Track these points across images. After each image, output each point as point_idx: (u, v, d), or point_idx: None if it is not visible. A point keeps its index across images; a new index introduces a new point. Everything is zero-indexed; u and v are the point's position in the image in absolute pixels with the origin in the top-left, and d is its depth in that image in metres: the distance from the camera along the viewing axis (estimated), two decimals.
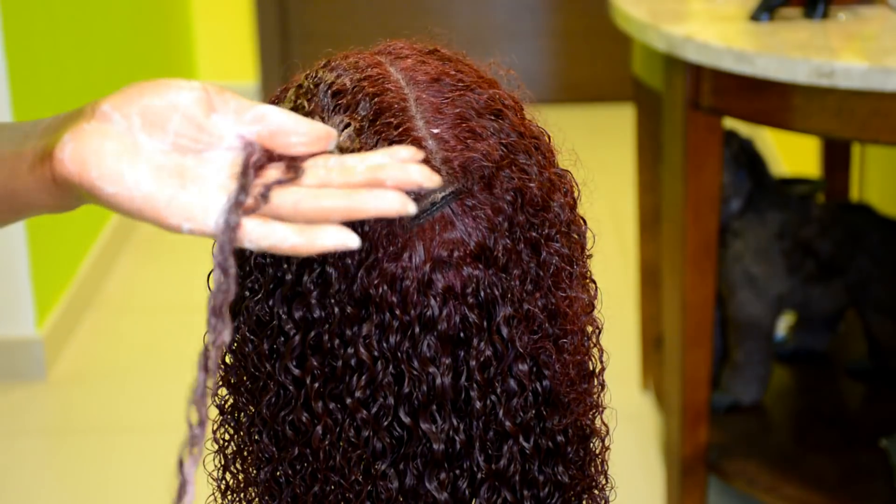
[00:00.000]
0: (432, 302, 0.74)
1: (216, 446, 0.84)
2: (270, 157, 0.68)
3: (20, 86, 2.69)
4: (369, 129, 0.75)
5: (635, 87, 2.38)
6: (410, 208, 0.65)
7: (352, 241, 0.65)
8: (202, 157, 0.68)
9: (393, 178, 0.66)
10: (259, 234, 0.65)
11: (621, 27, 2.11)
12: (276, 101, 0.81)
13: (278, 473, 0.79)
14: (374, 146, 0.74)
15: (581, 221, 0.82)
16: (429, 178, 0.66)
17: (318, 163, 0.68)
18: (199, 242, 1.29)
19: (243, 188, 0.66)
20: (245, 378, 0.80)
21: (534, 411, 0.78)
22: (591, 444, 0.83)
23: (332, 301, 0.74)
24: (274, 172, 0.67)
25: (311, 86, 0.79)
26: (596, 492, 0.84)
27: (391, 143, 0.74)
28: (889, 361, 2.29)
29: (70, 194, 0.69)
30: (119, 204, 0.66)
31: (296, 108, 0.77)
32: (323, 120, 0.76)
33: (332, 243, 0.65)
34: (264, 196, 0.66)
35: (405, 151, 0.67)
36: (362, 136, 0.74)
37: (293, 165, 0.67)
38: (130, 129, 0.67)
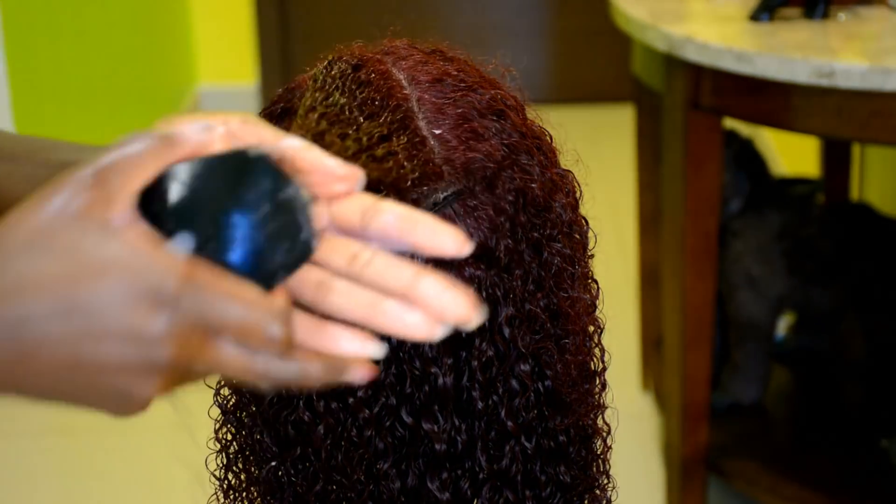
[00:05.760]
0: None
1: (218, 446, 0.84)
2: None
3: (20, 86, 2.69)
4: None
5: (635, 87, 2.38)
6: (437, 335, 0.57)
7: (374, 350, 0.59)
8: None
9: (432, 307, 0.57)
10: None
11: (621, 27, 2.11)
12: (278, 101, 0.81)
13: (280, 473, 0.79)
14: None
15: (583, 222, 0.81)
16: (466, 316, 0.57)
17: (350, 247, 0.58)
18: None
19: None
20: None
21: (536, 411, 0.78)
22: (593, 444, 0.83)
23: None
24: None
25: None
26: (598, 492, 0.84)
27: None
28: (889, 361, 2.29)
29: None
30: None
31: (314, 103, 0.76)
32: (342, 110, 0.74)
33: (351, 350, 0.58)
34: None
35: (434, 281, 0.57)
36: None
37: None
38: None
